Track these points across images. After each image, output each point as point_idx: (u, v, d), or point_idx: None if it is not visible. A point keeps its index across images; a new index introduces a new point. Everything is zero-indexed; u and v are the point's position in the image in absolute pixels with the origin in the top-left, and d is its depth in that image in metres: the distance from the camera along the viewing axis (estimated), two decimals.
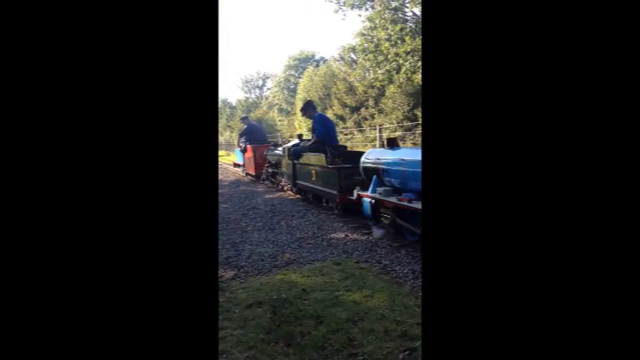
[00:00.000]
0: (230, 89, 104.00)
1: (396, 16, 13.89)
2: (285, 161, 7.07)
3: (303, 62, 33.70)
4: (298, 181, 6.46)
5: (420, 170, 3.36)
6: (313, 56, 34.64)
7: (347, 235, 4.21)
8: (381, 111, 13.62)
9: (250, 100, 38.57)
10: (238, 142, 11.53)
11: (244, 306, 2.51)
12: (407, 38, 13.23)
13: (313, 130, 6.26)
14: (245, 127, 11.04)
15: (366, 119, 14.49)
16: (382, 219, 4.07)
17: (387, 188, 3.97)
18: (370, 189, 4.23)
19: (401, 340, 2.00)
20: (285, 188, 7.46)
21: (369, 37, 14.85)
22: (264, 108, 33.08)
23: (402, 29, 13.57)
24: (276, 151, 8.14)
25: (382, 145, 4.40)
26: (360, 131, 14.19)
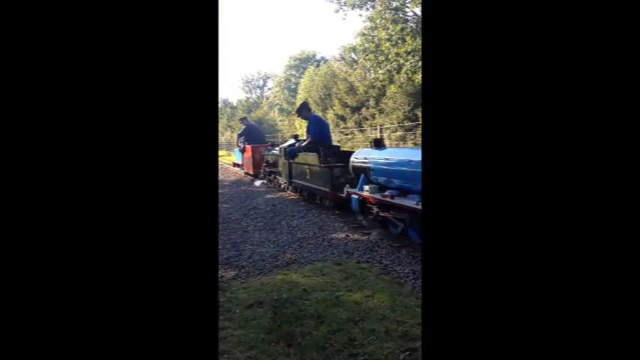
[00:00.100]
0: (231, 89, 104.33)
1: (396, 16, 13.88)
2: (282, 161, 7.29)
3: (303, 62, 33.68)
4: (294, 180, 6.68)
5: (402, 169, 3.74)
6: (314, 56, 34.63)
7: (348, 236, 4.21)
8: (381, 111, 13.61)
9: (251, 100, 38.56)
10: (237, 142, 11.79)
11: (245, 306, 2.51)
12: (408, 38, 13.22)
13: (308, 130, 6.48)
14: (244, 127, 11.28)
15: (367, 119, 14.48)
16: (368, 214, 4.33)
17: (373, 186, 4.21)
18: (358, 186, 4.49)
19: (402, 340, 2.00)
20: (282, 186, 7.65)
21: (370, 37, 14.83)
22: (265, 108, 33.08)
23: (402, 29, 13.55)
24: (274, 151, 8.34)
25: (373, 145, 4.71)
26: (361, 131, 14.19)
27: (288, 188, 7.20)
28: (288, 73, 35.15)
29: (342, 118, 16.12)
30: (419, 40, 12.66)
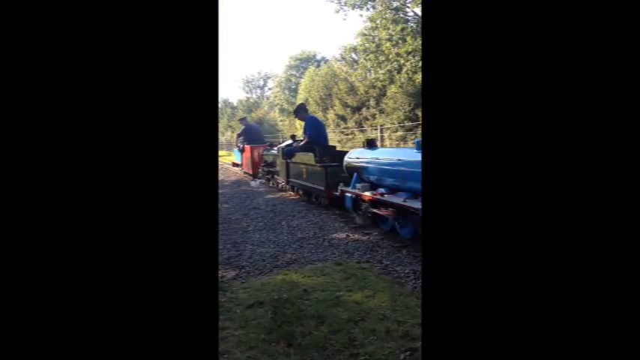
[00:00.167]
0: (231, 89, 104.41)
1: (397, 16, 13.87)
2: (280, 160, 7.48)
3: (304, 62, 33.65)
4: (291, 179, 6.89)
5: (391, 168, 3.95)
6: (314, 56, 34.60)
7: (348, 236, 4.21)
8: (382, 111, 13.61)
9: (251, 101, 38.55)
10: (236, 142, 11.97)
11: (245, 306, 2.51)
12: (408, 38, 13.21)
13: (305, 131, 6.71)
14: (243, 127, 11.46)
15: (368, 119, 14.48)
16: (360, 211, 4.56)
17: (364, 184, 4.46)
18: (351, 185, 4.70)
19: (402, 340, 2.00)
20: (280, 186, 7.84)
21: (371, 37, 14.82)
22: (266, 108, 33.08)
23: (403, 29, 13.55)
24: (272, 151, 8.53)
25: (365, 145, 4.92)
26: (362, 131, 14.18)
27: (285, 187, 7.37)
28: (288, 73, 35.13)
29: (343, 118, 16.12)
30: (419, 40, 12.65)
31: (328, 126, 16.58)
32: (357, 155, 4.84)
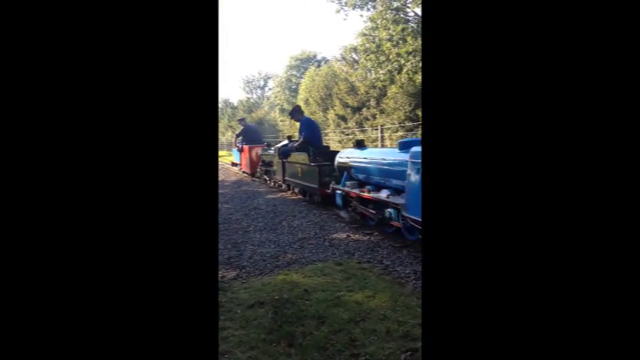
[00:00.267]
0: (232, 89, 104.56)
1: (397, 16, 13.86)
2: (276, 160, 7.83)
3: (304, 62, 33.65)
4: (287, 178, 7.22)
5: (377, 167, 4.23)
6: (315, 56, 34.59)
7: (349, 236, 4.21)
8: (382, 111, 13.60)
9: (252, 101, 38.55)
10: (235, 143, 12.18)
11: (246, 306, 2.51)
12: (409, 38, 13.20)
13: (300, 131, 6.99)
14: (242, 128, 11.65)
15: (368, 119, 14.47)
16: (349, 207, 4.90)
17: (353, 182, 4.79)
18: (341, 183, 5.04)
19: (403, 340, 2.00)
20: (277, 184, 8.16)
21: (371, 38, 14.82)
22: (266, 108, 33.08)
23: (403, 29, 13.54)
24: (270, 151, 8.87)
25: (355, 145, 5.25)
26: (362, 131, 14.18)
27: (282, 185, 7.68)
28: (289, 73, 35.12)
29: (343, 119, 16.12)
30: (420, 41, 12.64)
31: (329, 126, 16.58)
32: (347, 155, 5.17)
